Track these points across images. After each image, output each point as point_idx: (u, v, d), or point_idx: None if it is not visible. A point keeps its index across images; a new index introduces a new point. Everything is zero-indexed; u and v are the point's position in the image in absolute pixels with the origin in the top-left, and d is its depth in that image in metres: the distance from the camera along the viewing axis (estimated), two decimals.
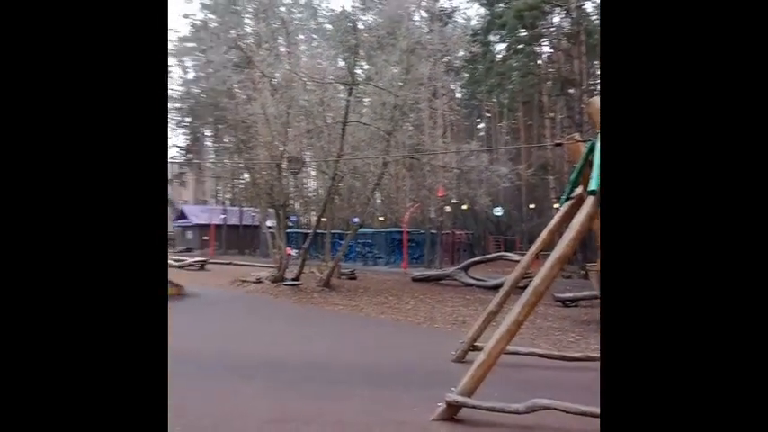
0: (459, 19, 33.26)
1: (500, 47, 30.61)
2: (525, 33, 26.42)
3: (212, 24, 29.16)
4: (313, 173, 24.71)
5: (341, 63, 18.36)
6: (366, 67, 18.83)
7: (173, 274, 15.85)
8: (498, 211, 25.49)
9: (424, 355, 7.67)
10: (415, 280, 17.51)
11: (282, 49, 19.76)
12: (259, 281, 15.86)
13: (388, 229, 27.48)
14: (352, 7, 30.13)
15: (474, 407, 4.52)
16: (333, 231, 21.97)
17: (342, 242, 18.52)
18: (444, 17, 31.04)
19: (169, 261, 22.21)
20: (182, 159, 41.92)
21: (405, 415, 4.74)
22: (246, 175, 24.71)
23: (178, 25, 56.14)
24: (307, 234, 18.27)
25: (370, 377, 6.14)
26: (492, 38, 29.44)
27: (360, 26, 22.56)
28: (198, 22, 33.60)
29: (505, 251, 22.67)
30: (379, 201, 26.47)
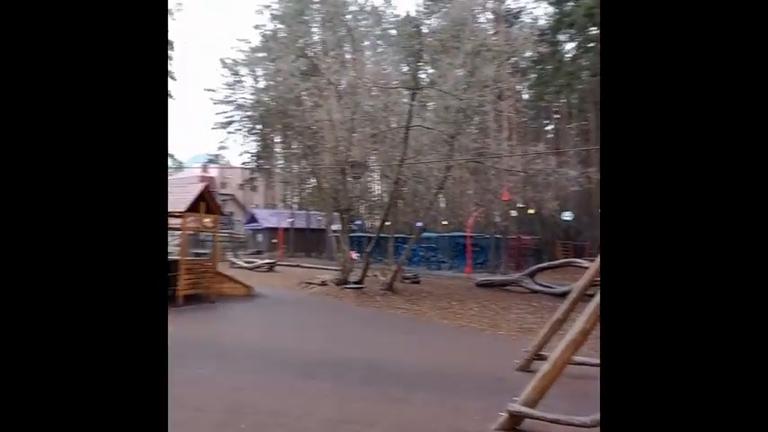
0: (526, 19, 32.51)
1: (569, 46, 29.61)
2: (596, 31, 25.40)
3: (281, 34, 30.21)
4: (377, 177, 24.97)
5: (405, 68, 18.47)
6: (430, 70, 18.82)
7: (243, 275, 16.55)
8: (567, 216, 24.59)
9: (487, 362, 7.54)
10: (479, 285, 17.25)
11: (348, 56, 20.15)
12: (324, 283, 16.21)
13: (452, 234, 27.24)
14: (417, 11, 30.21)
15: (537, 418, 4.39)
16: (396, 235, 22.08)
17: (405, 246, 18.57)
18: (510, 18, 30.45)
19: (240, 263, 23.21)
20: (253, 165, 43.67)
21: (465, 422, 4.68)
22: (313, 180, 25.34)
23: (250, 36, 58.55)
24: (371, 238, 18.46)
25: (432, 382, 6.12)
26: (560, 37, 28.52)
27: (424, 30, 22.61)
28: (268, 33, 34.93)
29: (575, 257, 21.80)
30: (443, 205, 26.29)
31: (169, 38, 33.78)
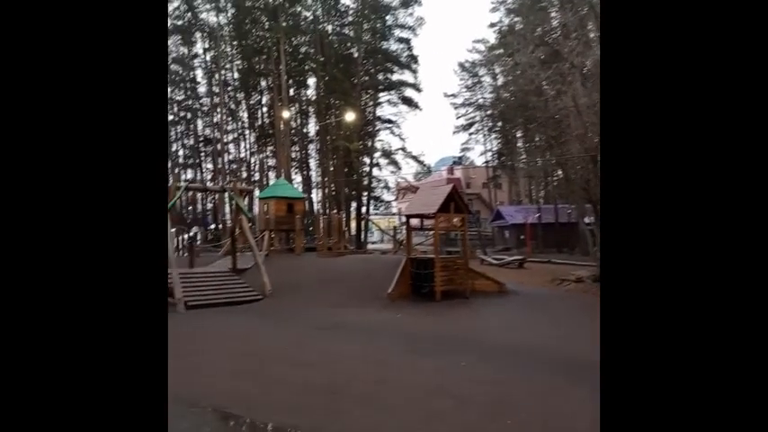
0: None
1: None
2: None
3: (518, 27, 29.71)
4: None
5: None
6: None
7: (493, 272, 16.72)
8: None
9: None
10: None
11: (592, 35, 18.61)
12: (579, 280, 15.23)
13: None
14: None
15: None
16: None
17: None
18: None
19: (489, 259, 23.56)
20: (495, 163, 43.98)
21: None
22: (559, 172, 24.14)
23: (486, 35, 58.98)
24: None
25: None
26: None
27: None
28: (504, 28, 34.76)
29: None
30: None
31: (414, 53, 36.59)
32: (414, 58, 36.28)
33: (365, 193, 35.57)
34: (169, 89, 36.37)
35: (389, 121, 37.12)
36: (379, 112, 37.21)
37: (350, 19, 36.03)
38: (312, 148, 37.59)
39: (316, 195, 36.19)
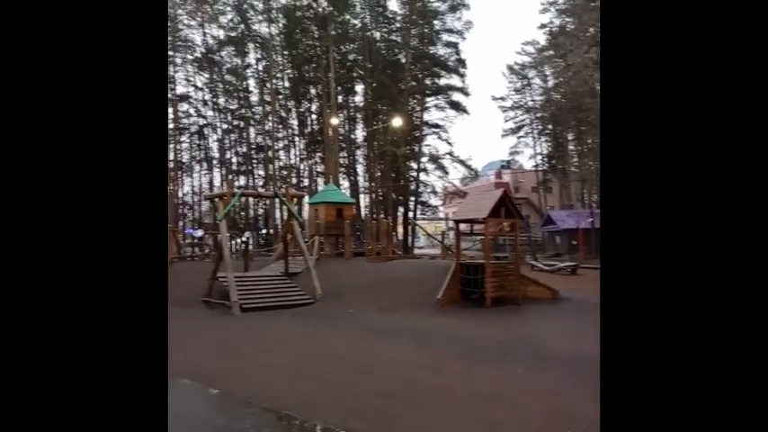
0: None
1: None
2: None
3: (570, 27, 29.03)
4: None
5: None
6: None
7: (544, 278, 16.32)
8: None
9: None
10: None
11: None
12: None
13: None
14: None
15: None
16: None
17: None
18: None
19: (540, 265, 23.04)
20: (545, 167, 43.01)
21: None
22: None
23: (536, 36, 57.86)
24: None
25: None
26: None
27: None
28: (555, 29, 34.04)
29: None
30: None
31: (461, 57, 36.33)
32: (461, 62, 36.09)
33: (412, 198, 35.58)
34: (223, 99, 37.73)
35: (437, 126, 37.03)
36: (426, 116, 37.20)
37: (398, 25, 36.28)
38: (360, 153, 38.01)
39: (363, 200, 36.51)
